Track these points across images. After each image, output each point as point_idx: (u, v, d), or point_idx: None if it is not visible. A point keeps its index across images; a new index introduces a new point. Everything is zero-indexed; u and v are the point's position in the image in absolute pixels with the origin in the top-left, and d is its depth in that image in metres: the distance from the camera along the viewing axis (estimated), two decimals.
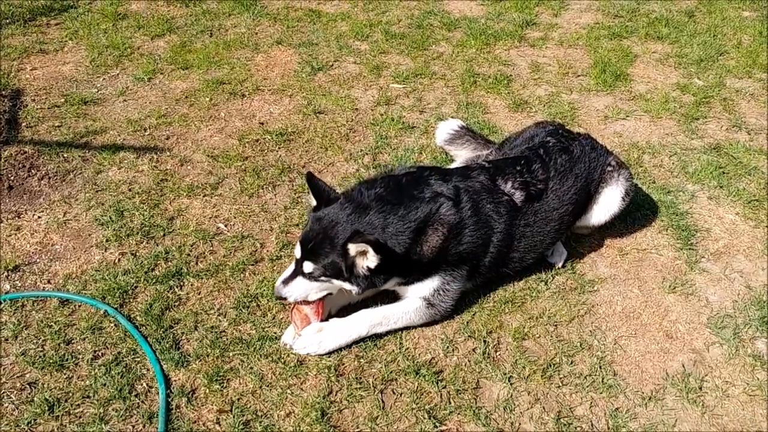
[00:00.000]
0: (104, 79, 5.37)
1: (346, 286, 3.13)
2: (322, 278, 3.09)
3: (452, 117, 4.93)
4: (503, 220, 3.38)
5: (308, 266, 3.06)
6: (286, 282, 3.12)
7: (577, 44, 6.57)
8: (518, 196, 3.44)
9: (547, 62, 6.19)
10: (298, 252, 3.11)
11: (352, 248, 3.00)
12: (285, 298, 3.14)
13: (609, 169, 3.79)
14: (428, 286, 3.30)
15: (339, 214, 3.09)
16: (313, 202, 3.24)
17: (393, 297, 3.44)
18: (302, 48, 6.07)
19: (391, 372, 3.14)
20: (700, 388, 3.21)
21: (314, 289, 3.14)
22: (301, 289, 3.12)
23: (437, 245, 3.20)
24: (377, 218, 3.08)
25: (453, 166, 4.22)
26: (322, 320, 3.23)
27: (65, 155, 4.40)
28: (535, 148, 3.70)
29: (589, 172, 3.71)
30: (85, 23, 6.17)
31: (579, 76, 5.99)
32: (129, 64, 5.60)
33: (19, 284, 3.46)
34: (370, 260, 3.01)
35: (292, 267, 3.17)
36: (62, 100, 5.02)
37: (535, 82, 5.83)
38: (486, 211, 3.34)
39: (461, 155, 4.42)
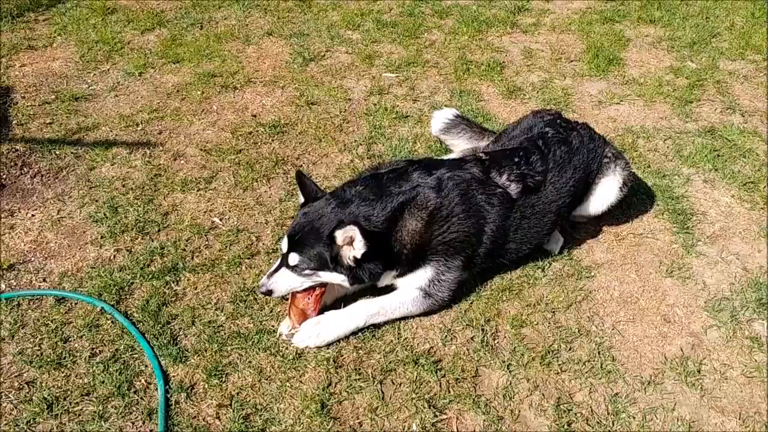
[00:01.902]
0: (95, 74, 5.33)
1: (335, 276, 3.14)
2: (308, 271, 3.11)
3: (446, 106, 4.92)
4: (496, 211, 3.37)
5: (294, 258, 3.08)
6: (270, 276, 3.16)
7: (569, 29, 6.55)
8: (514, 188, 3.43)
9: (540, 48, 6.17)
10: (284, 245, 3.14)
11: (339, 235, 3.01)
12: (270, 292, 3.16)
13: (606, 160, 3.78)
14: (423, 276, 3.31)
15: (324, 207, 3.15)
16: (301, 200, 3.30)
17: (391, 287, 3.44)
18: (293, 39, 6.04)
19: (390, 362, 3.14)
20: (699, 371, 3.21)
21: (299, 283, 3.16)
22: (286, 282, 3.14)
23: (416, 230, 3.21)
24: (359, 210, 3.12)
25: (450, 156, 4.20)
26: (317, 314, 3.23)
27: (57, 152, 4.37)
28: (533, 139, 3.69)
29: (587, 163, 3.70)
30: (74, 18, 6.11)
31: (572, 61, 5.98)
32: (119, 59, 5.56)
33: (15, 283, 3.44)
34: (357, 248, 3.02)
35: (276, 263, 3.19)
36: (53, 96, 4.98)
37: (528, 69, 5.81)
38: (476, 201, 3.33)
39: (458, 145, 4.41)
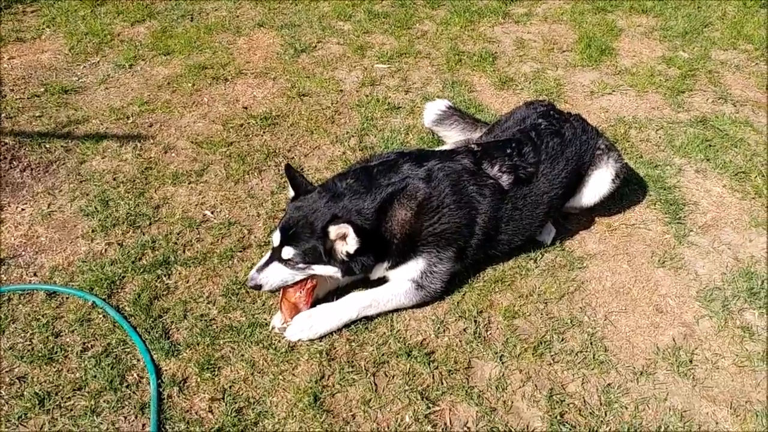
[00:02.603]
0: (84, 67, 5.29)
1: (327, 269, 3.14)
2: (301, 264, 3.09)
3: (439, 97, 4.90)
4: (487, 202, 3.37)
5: (288, 252, 3.06)
6: (260, 269, 3.12)
7: (561, 19, 6.54)
8: (505, 180, 3.43)
9: (532, 38, 6.16)
10: (276, 239, 3.11)
11: (333, 231, 3.01)
12: (260, 286, 3.13)
13: (599, 152, 3.78)
14: (414, 268, 3.31)
15: (317, 201, 3.12)
16: (291, 193, 3.28)
17: (383, 279, 3.43)
18: (284, 30, 6.01)
19: (382, 354, 3.14)
20: (691, 361, 3.23)
21: (291, 276, 3.14)
22: (278, 275, 3.11)
23: (406, 219, 3.20)
24: (351, 203, 3.11)
25: (443, 148, 4.19)
26: (309, 308, 3.23)
27: (47, 146, 4.34)
28: (526, 131, 3.68)
29: (580, 155, 3.70)
30: (63, 10, 6.07)
31: (564, 51, 5.96)
32: (109, 51, 5.52)
33: (5, 278, 3.41)
34: (349, 244, 3.03)
35: (267, 255, 3.16)
36: (42, 89, 4.95)
37: (520, 59, 5.80)
38: (467, 192, 3.33)
39: (450, 136, 4.40)
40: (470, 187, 3.34)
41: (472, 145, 3.63)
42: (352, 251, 3.04)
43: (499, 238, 3.49)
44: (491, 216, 3.39)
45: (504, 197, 3.42)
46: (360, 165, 3.44)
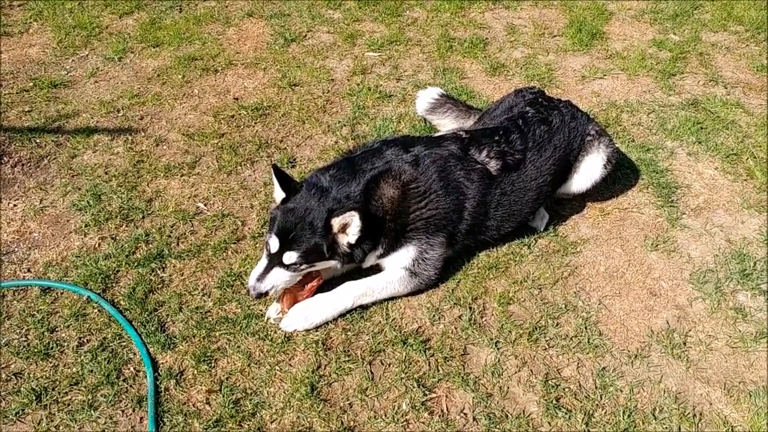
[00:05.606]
0: (73, 60, 5.25)
1: (330, 263, 3.15)
2: (303, 265, 3.08)
3: (430, 84, 4.89)
4: (475, 187, 3.38)
5: (290, 256, 3.02)
6: (261, 278, 3.06)
7: (551, 4, 6.52)
8: (493, 165, 3.44)
9: (523, 24, 6.14)
10: (275, 245, 3.04)
11: (336, 223, 3.01)
12: (265, 294, 3.08)
13: (589, 138, 3.79)
14: (406, 255, 3.32)
15: (309, 200, 3.09)
16: (277, 195, 3.23)
17: (377, 269, 3.44)
18: (274, 19, 5.97)
19: (378, 343, 3.15)
20: (684, 344, 3.25)
21: (293, 278, 3.14)
22: (281, 280, 3.08)
23: (394, 197, 3.21)
24: (339, 193, 3.10)
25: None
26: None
27: (38, 140, 4.31)
28: (514, 119, 3.69)
29: (569, 142, 3.71)
30: (50, 3, 6.00)
31: (555, 36, 5.95)
32: (98, 44, 5.48)
33: None
34: (352, 232, 3.04)
35: (263, 262, 3.10)
36: (31, 83, 4.91)
37: (511, 45, 5.78)
38: (455, 177, 3.34)
39: (444, 124, 4.39)
40: (458, 173, 3.35)
41: (460, 132, 3.63)
42: (353, 241, 3.06)
43: (489, 223, 3.50)
44: (480, 201, 3.40)
45: (492, 183, 3.43)
46: (343, 156, 3.44)
